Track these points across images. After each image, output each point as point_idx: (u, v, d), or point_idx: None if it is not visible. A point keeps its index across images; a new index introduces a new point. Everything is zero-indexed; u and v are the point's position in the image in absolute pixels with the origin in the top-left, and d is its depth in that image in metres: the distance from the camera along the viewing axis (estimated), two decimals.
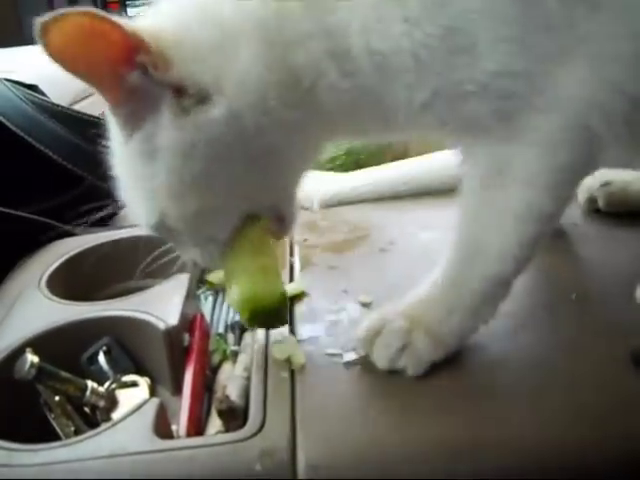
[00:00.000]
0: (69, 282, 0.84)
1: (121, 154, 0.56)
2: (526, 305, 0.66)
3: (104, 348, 0.71)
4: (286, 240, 0.79)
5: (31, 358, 0.63)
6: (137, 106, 0.51)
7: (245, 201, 0.57)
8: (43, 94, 1.08)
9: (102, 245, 0.87)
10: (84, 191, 0.98)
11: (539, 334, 0.63)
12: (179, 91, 0.51)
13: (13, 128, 0.93)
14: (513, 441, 0.52)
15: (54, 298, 0.77)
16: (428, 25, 0.49)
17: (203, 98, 0.51)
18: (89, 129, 0.98)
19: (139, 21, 0.53)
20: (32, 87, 1.06)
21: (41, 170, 0.97)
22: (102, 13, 0.47)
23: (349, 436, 0.53)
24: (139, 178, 0.55)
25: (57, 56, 0.47)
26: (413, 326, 0.59)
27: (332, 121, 0.56)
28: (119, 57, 0.49)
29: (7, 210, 0.92)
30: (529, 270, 0.59)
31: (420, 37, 0.49)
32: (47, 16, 0.45)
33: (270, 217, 0.60)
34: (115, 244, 0.86)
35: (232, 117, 0.51)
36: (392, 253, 0.78)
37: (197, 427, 0.61)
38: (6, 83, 0.99)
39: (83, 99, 1.66)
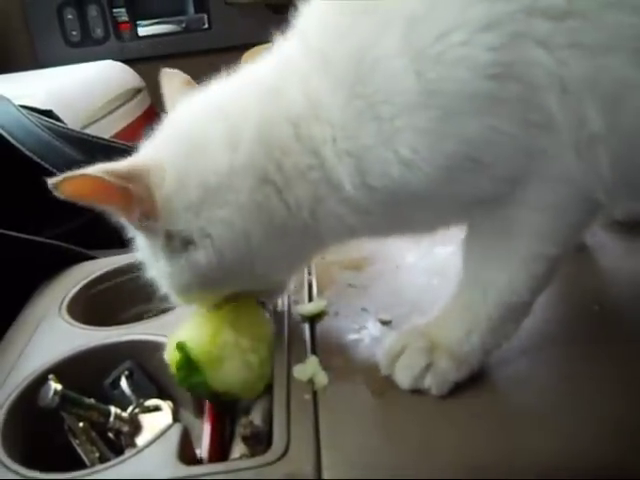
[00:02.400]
0: (89, 306, 0.84)
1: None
2: (549, 318, 0.66)
3: (126, 372, 0.71)
4: None
5: (54, 386, 0.63)
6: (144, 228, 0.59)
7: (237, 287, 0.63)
8: (58, 119, 1.09)
9: (120, 268, 0.87)
10: (99, 215, 0.98)
11: (564, 347, 0.63)
12: (169, 236, 0.57)
13: (29, 154, 0.94)
14: (538, 460, 0.51)
15: (75, 323, 0.78)
16: (425, 166, 0.50)
17: (188, 243, 0.57)
18: (104, 153, 0.99)
19: (140, 154, 0.59)
20: (47, 112, 1.07)
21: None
22: (99, 174, 0.53)
23: (374, 458, 0.53)
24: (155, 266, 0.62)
25: (73, 200, 0.55)
26: (434, 346, 0.58)
27: (326, 241, 0.61)
28: (120, 206, 0.56)
29: (25, 236, 0.93)
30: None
31: (419, 176, 0.51)
32: (57, 179, 0.53)
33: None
34: (133, 267, 0.86)
35: (216, 259, 0.57)
36: (409, 269, 0.77)
37: (220, 451, 0.61)
38: (21, 110, 1.00)
39: (95, 121, 1.69)
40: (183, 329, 0.64)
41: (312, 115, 0.53)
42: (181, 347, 0.61)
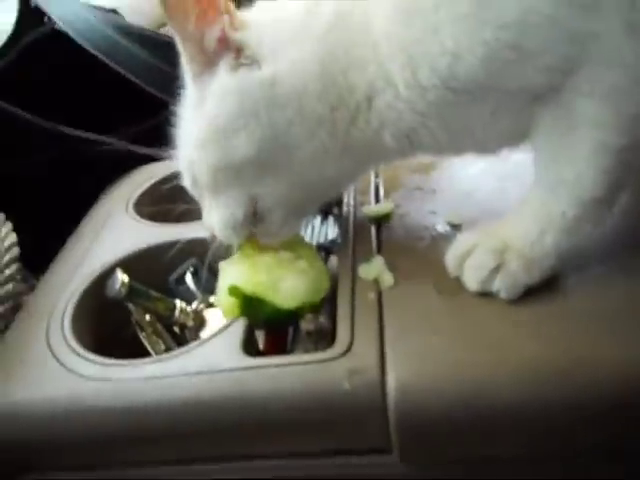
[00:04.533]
0: (155, 205, 0.84)
1: (185, 107, 0.61)
2: (630, 225, 0.62)
3: (191, 269, 0.72)
4: None
5: (122, 277, 0.64)
6: (206, 59, 0.57)
7: (255, 178, 0.58)
8: (124, 18, 1.07)
9: None
10: (168, 115, 0.98)
11: None
12: (239, 51, 0.57)
13: (95, 52, 0.93)
14: (609, 363, 0.49)
15: (142, 220, 0.78)
16: (469, 56, 0.50)
17: (254, 62, 0.56)
18: (171, 51, 0.98)
19: None
20: (112, 12, 1.06)
21: (125, 95, 0.97)
22: None
23: (440, 356, 0.52)
24: (186, 121, 0.61)
25: (165, 4, 0.54)
26: (505, 247, 0.56)
27: (381, 141, 0.58)
28: (208, 11, 0.55)
29: (95, 136, 0.93)
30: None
31: (464, 67, 0.51)
32: None
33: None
34: None
35: (269, 84, 0.56)
36: (480, 173, 0.74)
37: (279, 346, 0.61)
38: (87, 7, 0.99)
39: (160, 27, 1.67)
40: (224, 277, 0.62)
41: (372, 9, 0.55)
42: (234, 290, 0.60)
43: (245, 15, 0.59)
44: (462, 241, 0.58)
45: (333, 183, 0.63)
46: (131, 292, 0.64)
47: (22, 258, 0.87)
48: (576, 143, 0.53)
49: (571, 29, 0.49)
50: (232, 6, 0.57)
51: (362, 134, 0.58)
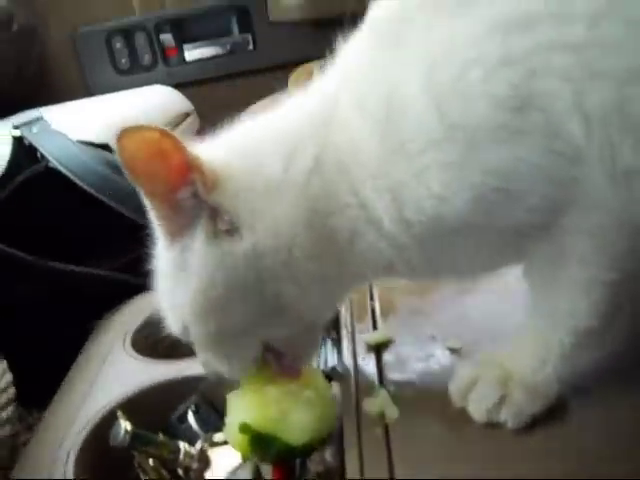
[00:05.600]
0: (152, 339, 0.84)
1: (161, 259, 0.58)
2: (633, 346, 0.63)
3: (193, 407, 0.71)
4: None
5: (125, 425, 0.63)
6: (180, 220, 0.54)
7: (259, 327, 0.57)
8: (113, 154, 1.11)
9: None
10: None
11: None
12: (215, 215, 0.53)
13: (87, 188, 0.95)
14: None
15: (140, 357, 0.78)
16: (456, 199, 0.50)
17: (234, 229, 0.54)
18: None
19: (201, 145, 0.56)
20: (103, 146, 1.09)
21: (114, 226, 0.99)
22: (171, 133, 0.51)
23: None
24: (170, 287, 0.57)
25: (126, 161, 0.50)
26: (508, 377, 0.57)
27: (364, 273, 0.58)
28: (176, 173, 0.52)
29: (86, 269, 0.94)
30: None
31: (451, 209, 0.51)
32: (126, 126, 0.49)
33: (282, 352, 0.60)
34: None
35: (254, 256, 0.54)
36: (475, 293, 0.75)
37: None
38: (78, 145, 1.02)
39: None
40: (232, 411, 0.61)
41: (353, 154, 0.54)
42: (245, 428, 0.59)
43: (216, 166, 0.54)
44: (464, 373, 0.59)
45: (333, 305, 0.63)
46: (135, 439, 0.63)
47: (17, 391, 0.87)
48: (567, 278, 0.54)
49: (555, 175, 0.50)
50: (202, 163, 0.53)
51: (349, 275, 0.58)
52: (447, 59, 0.49)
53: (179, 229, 0.54)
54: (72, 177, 0.96)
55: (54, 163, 1.00)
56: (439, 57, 0.50)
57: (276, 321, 0.57)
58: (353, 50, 0.57)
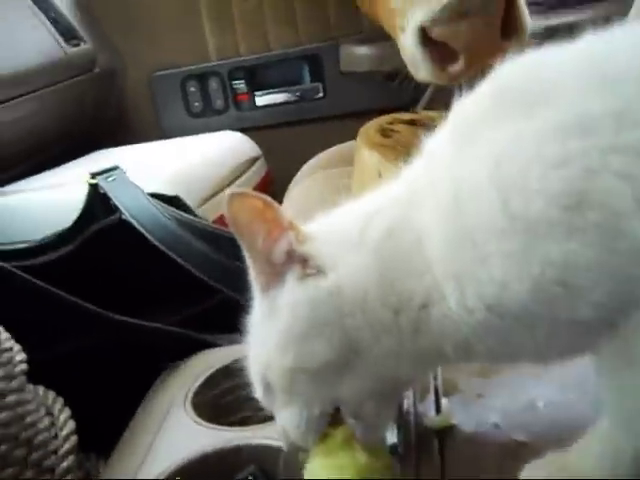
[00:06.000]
0: (213, 400, 0.85)
1: (254, 314, 0.64)
2: None
3: (250, 478, 0.71)
4: None
5: None
6: (274, 271, 0.60)
7: (333, 379, 0.59)
8: (185, 205, 1.13)
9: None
10: (218, 302, 1.01)
11: None
12: (304, 262, 0.60)
13: (157, 243, 0.98)
14: None
15: (200, 422, 0.79)
16: (517, 287, 0.51)
17: (320, 271, 0.59)
18: (228, 243, 1.02)
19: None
20: (174, 198, 1.12)
21: (179, 282, 1.01)
22: (270, 200, 0.59)
23: None
24: (258, 336, 0.63)
25: (231, 220, 0.58)
26: None
27: (441, 346, 0.58)
28: (275, 231, 0.59)
29: (148, 324, 0.96)
30: None
31: (512, 297, 0.51)
32: (236, 191, 0.58)
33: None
34: None
35: (337, 293, 0.58)
36: (540, 380, 0.73)
37: None
38: (150, 199, 1.05)
39: (217, 193, 1.76)
40: None
41: (425, 240, 0.56)
42: None
43: (308, 229, 0.62)
44: (531, 475, 0.57)
45: (409, 379, 0.64)
46: None
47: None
48: (638, 380, 0.52)
49: (618, 273, 0.49)
50: (295, 223, 0.61)
51: (426, 341, 0.58)
52: (512, 157, 0.52)
53: (272, 279, 0.61)
54: (144, 231, 0.99)
55: (126, 216, 1.02)
56: (505, 155, 0.52)
57: (353, 370, 0.58)
58: (436, 143, 0.61)
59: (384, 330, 0.57)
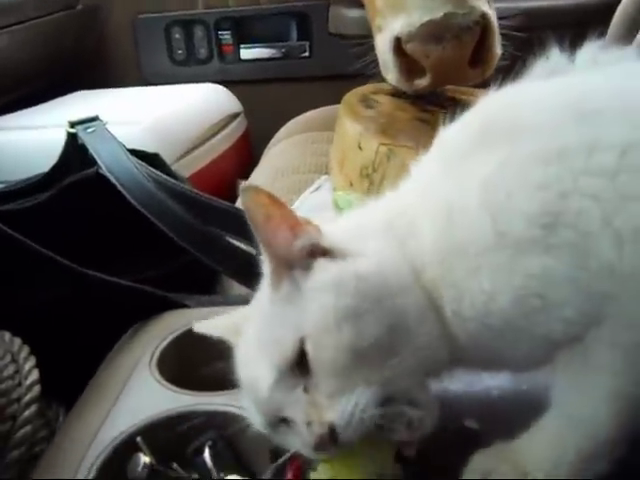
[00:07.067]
0: (176, 361, 0.86)
1: (257, 306, 0.65)
2: None
3: (209, 442, 0.73)
4: None
5: (144, 459, 0.65)
6: (289, 261, 0.61)
7: (381, 360, 0.58)
8: (164, 163, 1.13)
9: None
10: (188, 262, 1.02)
11: None
12: (327, 251, 0.61)
13: (133, 201, 0.98)
14: None
15: (164, 383, 0.80)
16: (501, 298, 0.56)
17: (347, 258, 0.61)
18: (203, 209, 1.02)
19: None
20: (154, 156, 1.12)
21: (150, 241, 1.01)
22: (279, 200, 0.60)
23: None
24: (271, 325, 0.62)
25: (248, 214, 0.59)
26: (521, 473, 0.58)
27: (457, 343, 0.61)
28: (295, 227, 0.61)
29: (113, 279, 0.96)
30: None
31: (497, 307, 0.57)
32: (249, 185, 0.59)
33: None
34: None
35: (377, 272, 0.60)
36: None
37: None
38: (130, 157, 1.04)
39: (195, 148, 1.75)
40: None
41: (424, 249, 0.61)
42: None
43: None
44: (478, 465, 0.60)
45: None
46: (152, 474, 0.65)
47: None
48: (594, 384, 0.56)
49: (588, 289, 0.54)
50: (307, 220, 0.62)
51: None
52: (497, 183, 0.57)
53: (288, 270, 0.61)
54: (120, 187, 0.98)
55: (103, 170, 1.02)
56: (493, 179, 0.58)
57: (395, 356, 0.58)
58: (425, 169, 0.67)
59: (426, 311, 0.60)
